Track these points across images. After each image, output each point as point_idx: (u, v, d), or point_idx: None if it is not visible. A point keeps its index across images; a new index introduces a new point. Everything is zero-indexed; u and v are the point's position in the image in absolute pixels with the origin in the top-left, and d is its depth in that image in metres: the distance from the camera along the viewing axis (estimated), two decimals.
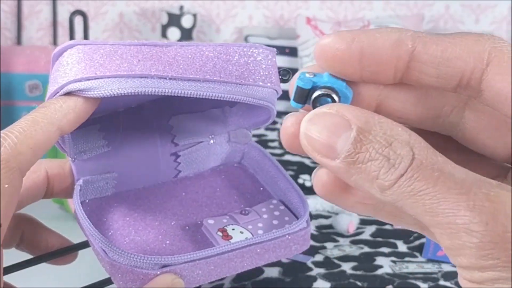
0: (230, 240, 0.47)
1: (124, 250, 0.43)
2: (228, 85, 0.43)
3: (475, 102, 0.31)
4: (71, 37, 3.01)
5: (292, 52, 3.21)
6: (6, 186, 0.35)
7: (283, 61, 3.23)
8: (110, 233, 0.48)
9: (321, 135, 0.28)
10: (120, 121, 0.51)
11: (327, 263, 1.80)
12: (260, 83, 0.44)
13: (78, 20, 3.10)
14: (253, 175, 0.55)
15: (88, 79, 0.41)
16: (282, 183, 0.52)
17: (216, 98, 0.43)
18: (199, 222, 0.50)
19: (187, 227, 0.50)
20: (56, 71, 0.43)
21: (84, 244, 0.52)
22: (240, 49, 0.44)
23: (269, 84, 0.45)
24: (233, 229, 0.49)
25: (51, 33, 3.43)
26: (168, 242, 0.48)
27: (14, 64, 3.20)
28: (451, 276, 1.74)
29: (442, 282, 1.70)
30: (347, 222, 2.01)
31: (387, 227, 2.05)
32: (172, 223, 0.50)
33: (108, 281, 0.48)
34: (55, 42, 3.42)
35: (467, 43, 0.29)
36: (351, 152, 0.28)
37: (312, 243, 1.93)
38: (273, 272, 1.75)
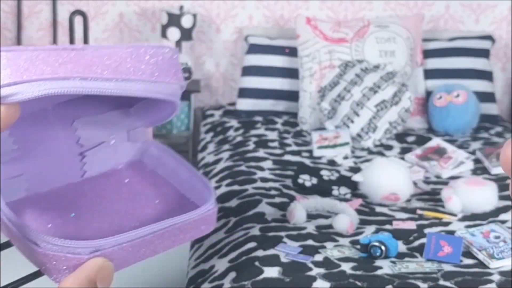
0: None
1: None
2: (143, 83, 0.49)
3: None
4: (71, 37, 3.01)
5: (292, 52, 3.21)
6: None
7: (283, 61, 3.23)
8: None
9: None
10: (27, 125, 0.57)
11: (327, 263, 1.80)
12: (168, 80, 0.50)
13: (78, 20, 3.10)
14: (154, 171, 0.61)
15: (16, 83, 0.44)
16: (184, 174, 0.58)
17: (133, 95, 0.48)
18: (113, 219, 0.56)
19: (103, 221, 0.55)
20: None
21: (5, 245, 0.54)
22: (149, 49, 0.50)
23: (176, 81, 0.51)
24: None
25: (51, 33, 3.43)
26: (88, 233, 0.53)
27: None
28: (451, 276, 1.74)
29: (442, 282, 1.70)
30: (347, 222, 2.01)
31: (387, 227, 2.05)
32: (87, 218, 0.55)
33: (31, 277, 0.51)
34: (55, 42, 3.42)
35: None
36: None
37: (312, 243, 1.93)
38: (273, 272, 1.75)
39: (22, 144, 0.56)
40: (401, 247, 1.92)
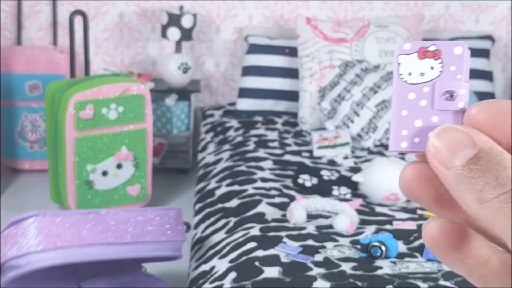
0: None
1: None
2: (153, 244, 0.57)
3: None
4: (71, 37, 3.01)
5: (292, 52, 3.21)
6: None
7: (283, 61, 3.23)
8: None
9: (446, 145, 0.32)
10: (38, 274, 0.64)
11: (327, 263, 1.80)
12: (174, 238, 0.59)
13: (78, 20, 3.10)
14: None
15: (49, 250, 0.51)
16: None
17: (146, 256, 0.56)
18: None
19: None
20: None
21: None
22: (158, 212, 0.57)
23: (180, 237, 0.59)
24: None
25: (51, 33, 3.43)
26: None
27: (14, 64, 3.19)
28: (451, 275, 1.74)
29: (442, 282, 1.70)
30: (347, 222, 2.01)
31: (387, 227, 2.05)
32: None
33: None
34: (55, 42, 3.42)
35: None
36: (466, 166, 0.32)
37: (312, 243, 1.93)
38: (273, 272, 1.75)
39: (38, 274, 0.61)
40: (401, 247, 1.92)
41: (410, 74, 0.34)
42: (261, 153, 2.70)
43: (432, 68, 0.34)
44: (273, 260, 1.81)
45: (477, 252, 0.34)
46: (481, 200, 0.31)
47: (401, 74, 0.34)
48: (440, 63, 0.34)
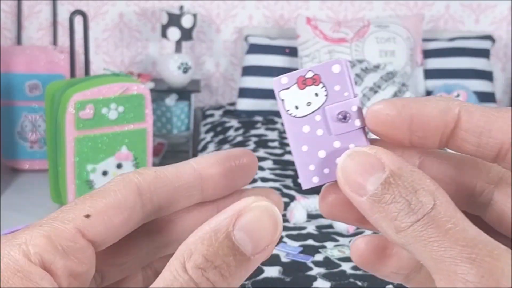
0: None
1: None
2: None
3: (505, 185, 0.32)
4: (71, 37, 3.01)
5: (292, 52, 3.21)
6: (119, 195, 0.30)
7: (283, 61, 3.23)
8: None
9: (356, 171, 0.30)
10: None
11: (327, 262, 1.80)
12: None
13: (78, 20, 3.10)
14: None
15: None
16: None
17: None
18: None
19: None
20: None
21: None
22: None
23: None
24: None
25: (51, 33, 3.43)
26: None
27: (14, 64, 3.20)
28: None
29: None
30: None
31: None
32: None
33: None
34: (55, 42, 3.42)
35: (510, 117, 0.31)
36: (378, 192, 0.29)
37: (312, 242, 1.93)
38: (273, 272, 1.75)
39: None
40: None
41: (297, 107, 0.32)
42: (261, 153, 2.70)
43: (316, 94, 0.32)
44: (273, 260, 1.81)
45: (408, 261, 0.33)
46: (397, 229, 0.29)
47: (288, 110, 0.32)
48: (323, 87, 0.32)
